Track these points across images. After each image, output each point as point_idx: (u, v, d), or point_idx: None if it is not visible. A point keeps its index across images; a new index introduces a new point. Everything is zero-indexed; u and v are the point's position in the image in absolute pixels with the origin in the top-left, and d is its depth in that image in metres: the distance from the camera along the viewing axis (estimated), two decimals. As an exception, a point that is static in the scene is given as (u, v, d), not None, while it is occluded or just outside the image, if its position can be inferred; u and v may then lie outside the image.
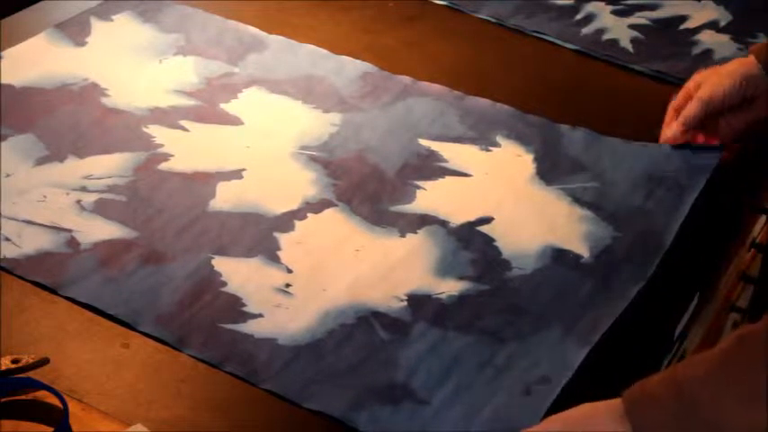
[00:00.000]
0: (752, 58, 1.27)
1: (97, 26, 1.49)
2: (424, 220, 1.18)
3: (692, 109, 1.27)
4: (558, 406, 0.96)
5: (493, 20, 1.56)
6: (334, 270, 1.11)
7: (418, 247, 1.14)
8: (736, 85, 1.25)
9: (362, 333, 1.04)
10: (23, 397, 0.93)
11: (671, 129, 1.29)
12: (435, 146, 1.29)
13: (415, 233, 1.16)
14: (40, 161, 1.23)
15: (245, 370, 0.99)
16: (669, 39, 1.54)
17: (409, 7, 1.58)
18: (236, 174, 1.23)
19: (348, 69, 1.43)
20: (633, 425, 0.86)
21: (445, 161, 1.27)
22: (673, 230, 1.17)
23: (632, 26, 1.56)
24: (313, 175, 1.24)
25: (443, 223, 1.17)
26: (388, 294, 1.08)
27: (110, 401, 0.95)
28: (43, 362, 0.95)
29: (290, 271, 1.10)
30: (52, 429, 0.90)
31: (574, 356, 1.01)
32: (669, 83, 1.43)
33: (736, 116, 1.28)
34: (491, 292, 1.09)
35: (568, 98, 1.41)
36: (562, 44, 1.51)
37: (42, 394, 0.93)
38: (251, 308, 1.06)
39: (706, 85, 1.27)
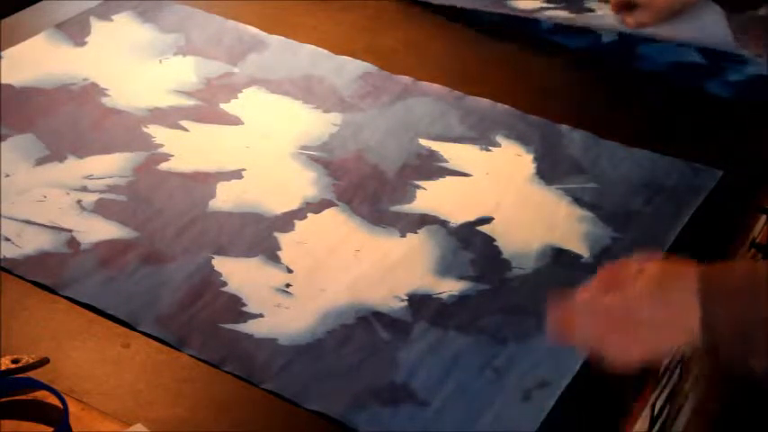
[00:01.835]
0: None
1: (97, 26, 1.49)
2: (424, 220, 1.18)
3: (645, 20, 1.45)
4: (558, 407, 0.96)
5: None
6: (334, 270, 1.11)
7: (418, 247, 1.14)
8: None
9: (362, 333, 1.04)
10: (23, 397, 0.93)
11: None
12: (435, 146, 1.29)
13: (415, 233, 1.16)
14: (40, 161, 1.23)
15: (245, 370, 0.99)
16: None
17: (409, 7, 1.58)
18: (236, 174, 1.23)
19: (348, 69, 1.43)
20: (704, 312, 0.86)
21: (445, 161, 1.27)
22: (672, 233, 1.17)
23: None
24: (313, 175, 1.24)
25: (443, 223, 1.17)
26: (388, 294, 1.08)
27: (110, 401, 0.95)
28: (43, 362, 0.95)
29: (290, 271, 1.10)
30: (52, 429, 0.90)
31: (573, 357, 1.01)
32: (671, 83, 1.43)
33: None
34: (491, 292, 1.09)
35: (568, 98, 1.41)
36: (563, 43, 1.51)
37: (42, 394, 0.93)
38: (251, 308, 1.06)
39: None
